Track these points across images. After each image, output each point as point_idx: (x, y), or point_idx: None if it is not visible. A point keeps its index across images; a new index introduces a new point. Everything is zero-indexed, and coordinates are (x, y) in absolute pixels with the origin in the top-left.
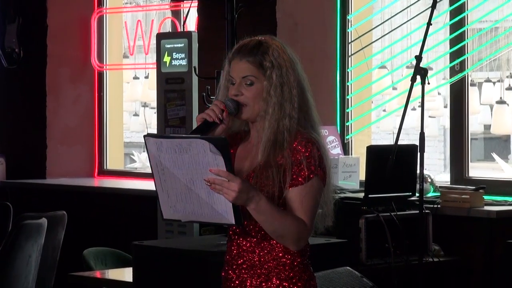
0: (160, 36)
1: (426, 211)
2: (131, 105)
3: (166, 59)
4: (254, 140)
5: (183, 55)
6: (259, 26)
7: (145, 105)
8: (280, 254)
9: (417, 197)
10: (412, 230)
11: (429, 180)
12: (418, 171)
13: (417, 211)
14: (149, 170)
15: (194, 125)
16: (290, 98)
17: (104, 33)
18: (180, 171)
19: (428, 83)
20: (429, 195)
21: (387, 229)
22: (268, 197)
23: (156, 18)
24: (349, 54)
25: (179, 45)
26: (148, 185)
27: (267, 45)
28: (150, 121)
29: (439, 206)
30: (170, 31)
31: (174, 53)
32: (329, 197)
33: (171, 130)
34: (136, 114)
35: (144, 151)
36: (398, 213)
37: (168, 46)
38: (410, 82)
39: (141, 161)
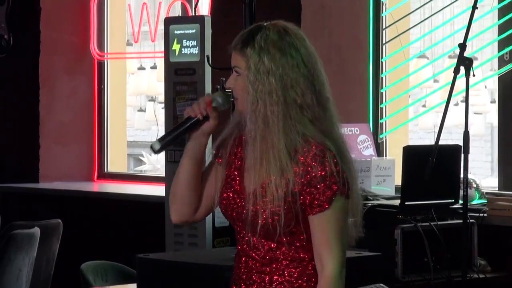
0: (169, 21)
1: (471, 220)
2: (135, 99)
3: (175, 47)
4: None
5: (194, 43)
6: (280, 9)
7: (152, 99)
8: (296, 275)
9: (461, 204)
10: (455, 242)
11: (474, 185)
12: (461, 175)
13: (461, 221)
14: (156, 173)
15: None
16: (270, 90)
17: (105, 17)
18: None
19: (473, 75)
20: (474, 202)
21: (426, 241)
22: (273, 213)
23: (164, 0)
24: (384, 42)
25: (190, 31)
26: (155, 190)
27: (261, 29)
28: (158, 118)
29: (485, 215)
30: (180, 15)
31: (184, 40)
32: (357, 205)
33: None
34: (141, 110)
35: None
36: (438, 222)
37: (178, 32)
38: (452, 74)
39: (151, 163)
